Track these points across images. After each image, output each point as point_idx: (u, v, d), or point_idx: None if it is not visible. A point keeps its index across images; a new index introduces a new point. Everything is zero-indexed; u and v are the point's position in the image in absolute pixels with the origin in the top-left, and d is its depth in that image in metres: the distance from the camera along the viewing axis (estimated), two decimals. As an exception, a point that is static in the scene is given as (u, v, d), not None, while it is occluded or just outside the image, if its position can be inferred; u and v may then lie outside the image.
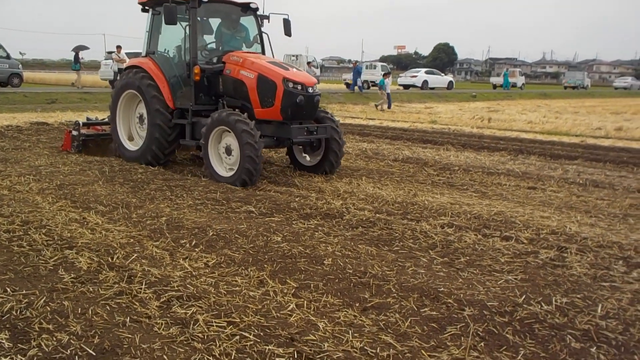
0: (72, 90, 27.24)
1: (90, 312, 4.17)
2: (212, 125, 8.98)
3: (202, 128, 9.18)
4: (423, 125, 20.29)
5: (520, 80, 59.92)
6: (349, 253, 5.64)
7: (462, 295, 4.64)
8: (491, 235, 6.45)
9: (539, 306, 4.46)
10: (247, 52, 10.15)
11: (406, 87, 47.05)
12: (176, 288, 4.62)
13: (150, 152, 9.97)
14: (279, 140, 9.69)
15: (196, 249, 5.66)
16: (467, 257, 5.62)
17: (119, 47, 28.15)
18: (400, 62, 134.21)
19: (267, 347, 3.72)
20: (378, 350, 3.75)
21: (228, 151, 8.93)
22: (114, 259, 5.26)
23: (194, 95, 9.69)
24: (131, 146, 10.60)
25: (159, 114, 9.77)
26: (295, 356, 3.63)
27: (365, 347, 3.79)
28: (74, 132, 11.21)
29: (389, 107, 27.52)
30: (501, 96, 43.67)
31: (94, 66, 63.70)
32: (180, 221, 6.53)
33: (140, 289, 4.62)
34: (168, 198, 7.67)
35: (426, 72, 49.20)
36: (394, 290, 4.73)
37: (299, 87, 9.11)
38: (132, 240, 5.89)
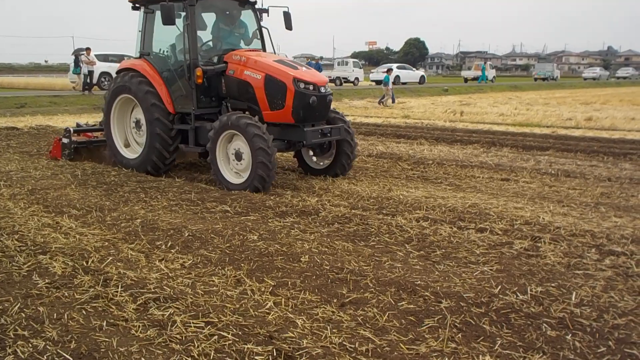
0: (41, 94, 26.85)
1: (66, 317, 4.13)
2: (221, 129, 8.45)
3: (209, 132, 8.60)
4: (396, 120, 20.39)
5: (491, 73, 60.44)
6: (326, 249, 5.65)
7: (438, 287, 4.67)
8: (466, 228, 6.51)
9: (515, 296, 4.51)
10: (249, 50, 9.61)
11: (378, 82, 47.17)
12: (153, 290, 4.59)
13: (150, 163, 9.43)
14: (289, 143, 9.15)
15: (172, 250, 5.62)
16: (443, 250, 5.67)
17: (88, 49, 27.81)
18: (372, 58, 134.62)
19: (246, 346, 3.71)
20: (357, 345, 3.76)
21: (238, 156, 8.43)
22: (89, 263, 5.20)
23: (195, 98, 9.10)
24: (128, 153, 10.03)
25: (158, 123, 9.21)
26: (274, 354, 3.63)
27: (344, 343, 3.80)
28: (65, 140, 10.61)
29: (392, 101, 27.98)
30: (473, 89, 44.02)
31: (63, 69, 62.95)
32: (155, 223, 6.48)
33: (117, 292, 4.57)
34: (142, 200, 7.60)
35: (398, 68, 49.39)
36: (371, 285, 4.75)
37: (311, 87, 8.61)
38: (106, 243, 5.83)
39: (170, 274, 5.00)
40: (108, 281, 4.78)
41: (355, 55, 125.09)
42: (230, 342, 3.78)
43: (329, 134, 9.04)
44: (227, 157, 8.64)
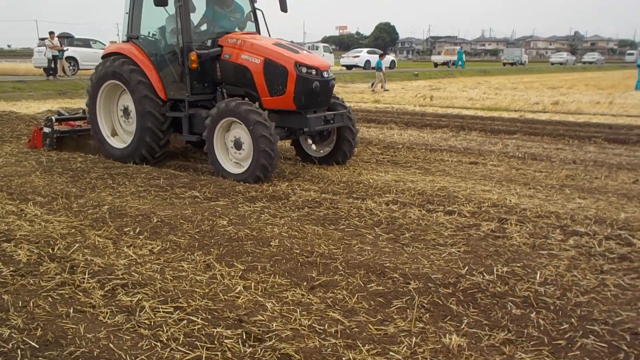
0: (4, 80, 26.26)
1: (31, 305, 4.07)
2: (219, 116, 8.04)
3: (206, 120, 8.19)
4: (367, 105, 20.43)
5: (460, 58, 60.85)
6: (296, 233, 5.66)
7: (407, 269, 4.72)
8: (435, 210, 6.57)
9: (481, 276, 4.58)
10: (245, 33, 9.15)
11: (349, 67, 47.24)
12: (121, 276, 4.55)
13: (144, 146, 8.88)
14: (290, 130, 8.73)
15: (140, 236, 5.58)
16: (412, 233, 5.72)
17: (51, 33, 27.22)
18: (343, 43, 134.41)
19: (216, 330, 3.71)
20: (326, 327, 3.79)
21: (237, 145, 8.04)
22: (55, 250, 5.13)
23: (189, 84, 8.62)
24: (116, 143, 9.50)
25: (148, 100, 8.70)
26: (244, 337, 3.63)
27: (314, 325, 3.83)
28: (46, 129, 10.10)
29: (382, 87, 28.09)
30: (442, 74, 44.30)
31: (27, 54, 61.60)
32: (123, 209, 6.41)
33: (84, 278, 4.53)
34: (110, 186, 7.51)
35: (368, 52, 49.44)
36: (340, 268, 4.78)
37: (313, 71, 8.19)
38: (73, 230, 5.75)
39: (138, 260, 4.96)
40: (75, 268, 4.72)
41: (325, 39, 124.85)
42: (199, 326, 3.77)
43: (331, 121, 8.68)
44: (224, 145, 8.26)
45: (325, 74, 8.35)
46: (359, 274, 4.65)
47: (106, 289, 4.36)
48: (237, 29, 9.41)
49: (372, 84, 28.27)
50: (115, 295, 4.25)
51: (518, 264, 4.86)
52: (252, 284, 4.50)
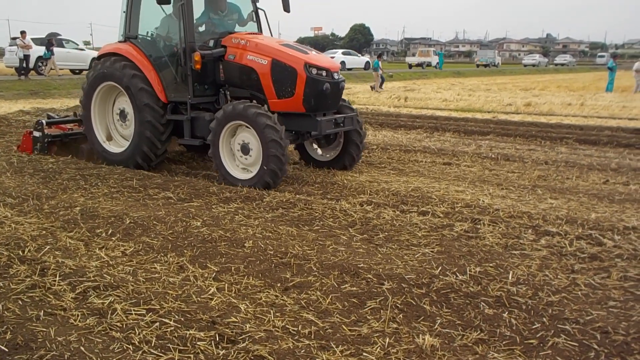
0: (-26, 79, 25.80)
1: (1, 308, 4.01)
2: (225, 119, 7.74)
3: (212, 123, 7.87)
4: (342, 106, 20.41)
5: (434, 60, 61.28)
6: (270, 234, 5.65)
7: (381, 270, 4.73)
8: (409, 211, 6.61)
9: (454, 276, 4.61)
10: (250, 33, 8.86)
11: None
12: (92, 278, 4.49)
13: (140, 154, 8.58)
14: (297, 134, 8.41)
15: (113, 238, 5.52)
16: (386, 233, 5.74)
17: (23, 33, 26.79)
18: (318, 44, 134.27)
19: (188, 332, 3.68)
20: (300, 328, 3.79)
21: (245, 150, 7.74)
22: (25, 252, 5.04)
23: (192, 86, 8.30)
24: (112, 147, 9.12)
25: (148, 109, 8.36)
26: (217, 339, 3.61)
27: (287, 326, 3.82)
28: (36, 134, 9.59)
29: (380, 87, 28.37)
30: (417, 75, 44.57)
31: (-2, 53, 60.52)
32: (95, 210, 6.33)
33: (54, 281, 4.46)
34: (82, 187, 7.42)
35: (343, 53, 49.49)
36: (314, 269, 4.78)
37: (324, 73, 7.95)
38: (44, 232, 5.66)
39: (110, 262, 4.91)
40: (45, 270, 4.65)
41: (300, 40, 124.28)
42: (172, 328, 3.74)
43: (342, 124, 8.42)
44: (230, 150, 7.96)
45: (335, 76, 8.14)
46: (333, 275, 4.66)
47: (77, 291, 4.30)
48: (237, 28, 9.18)
49: (373, 87, 28.50)
50: (87, 298, 4.20)
51: (491, 264, 4.90)
52: (226, 285, 4.47)
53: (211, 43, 8.53)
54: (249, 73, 8.17)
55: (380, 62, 29.71)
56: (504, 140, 12.67)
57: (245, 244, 5.31)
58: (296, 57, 7.92)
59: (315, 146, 9.33)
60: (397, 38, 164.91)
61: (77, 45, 32.12)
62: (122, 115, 8.99)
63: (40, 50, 28.55)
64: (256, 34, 9.05)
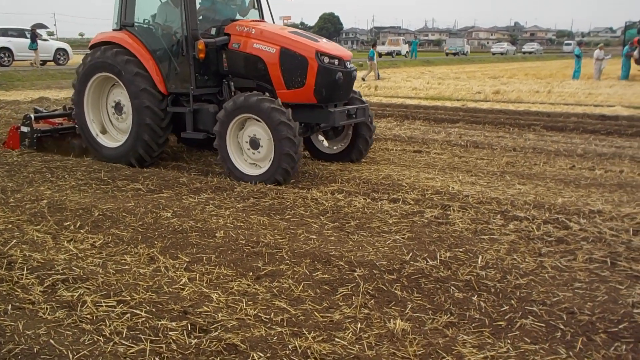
0: None
1: (-33, 303, 3.94)
2: (234, 112, 7.34)
3: (219, 113, 7.50)
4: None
5: (404, 49, 61.49)
6: (241, 224, 5.63)
7: (352, 257, 4.76)
8: (379, 199, 6.65)
9: (425, 262, 4.66)
10: (255, 21, 8.44)
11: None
12: (61, 271, 4.44)
13: (141, 145, 8.05)
14: (307, 126, 8.04)
15: (81, 230, 5.46)
16: (357, 221, 5.77)
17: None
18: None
19: (160, 322, 3.66)
20: (272, 316, 3.80)
21: (254, 144, 7.39)
22: (-9, 246, 4.97)
23: (194, 76, 7.86)
24: (108, 142, 8.65)
25: (146, 94, 7.89)
26: (189, 328, 3.60)
27: (259, 314, 3.82)
28: (24, 129, 9.13)
29: (377, 77, 28.33)
30: (387, 64, 44.61)
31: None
32: (62, 203, 6.24)
33: (22, 275, 4.40)
34: (48, 180, 7.30)
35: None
36: (286, 257, 4.79)
37: (336, 61, 7.59)
38: (10, 225, 5.57)
39: (79, 255, 4.86)
40: (12, 264, 4.58)
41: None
42: (143, 319, 3.72)
43: (354, 115, 8.03)
44: (237, 144, 7.60)
45: (348, 65, 7.80)
46: (304, 263, 4.67)
47: (46, 284, 4.25)
48: (238, 16, 8.81)
49: (367, 76, 28.56)
50: (56, 291, 4.15)
51: (460, 249, 4.96)
52: (197, 275, 4.46)
53: (213, 31, 8.18)
54: (256, 62, 7.79)
55: (375, 52, 29.86)
56: (473, 127, 12.79)
57: (216, 234, 5.30)
58: (307, 45, 7.55)
59: (321, 138, 9.02)
60: (367, 27, 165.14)
61: (41, 35, 31.50)
62: (118, 107, 8.53)
63: (2, 41, 28.08)
64: (260, 21, 8.71)
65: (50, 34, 43.71)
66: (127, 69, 7.97)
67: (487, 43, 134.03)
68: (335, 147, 8.97)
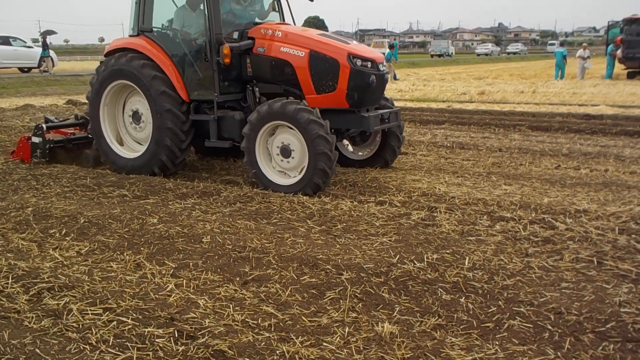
0: None
1: (-50, 314, 3.90)
2: (261, 121, 7.05)
3: (245, 128, 7.22)
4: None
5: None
6: (228, 229, 5.61)
7: (339, 260, 4.75)
8: (366, 201, 6.66)
9: (412, 264, 4.66)
10: (280, 23, 8.21)
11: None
12: (46, 279, 4.40)
13: (164, 151, 7.74)
14: (337, 132, 7.57)
15: (67, 238, 5.41)
16: (344, 224, 5.76)
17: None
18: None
19: (147, 329, 3.64)
20: (259, 321, 3.78)
21: (285, 152, 7.07)
22: (-25, 256, 4.91)
23: (218, 83, 7.55)
24: (124, 152, 8.31)
25: (166, 96, 7.60)
26: (176, 335, 3.58)
27: (247, 319, 3.81)
28: (35, 139, 8.71)
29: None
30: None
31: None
32: (48, 210, 6.19)
33: (7, 283, 4.36)
34: (34, 188, 7.25)
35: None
36: (273, 262, 4.77)
37: (369, 64, 7.30)
38: (-6, 234, 5.53)
39: (65, 262, 4.82)
40: (-3, 273, 4.54)
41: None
42: (130, 326, 3.70)
43: (387, 120, 7.73)
44: (266, 150, 7.30)
45: (380, 67, 7.52)
46: (292, 267, 4.66)
47: (31, 293, 4.21)
48: (257, 19, 8.47)
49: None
50: (41, 300, 4.12)
51: (447, 251, 4.97)
52: (184, 281, 4.44)
53: (235, 35, 7.85)
54: (283, 67, 7.48)
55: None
56: (458, 128, 12.84)
57: (203, 240, 5.28)
58: (338, 48, 7.26)
59: (346, 143, 8.70)
60: (352, 30, 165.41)
61: (25, 42, 31.29)
62: (136, 117, 8.19)
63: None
64: (284, 23, 8.45)
65: (35, 40, 43.49)
66: (145, 73, 7.70)
67: (472, 44, 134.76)
68: (360, 153, 8.73)
